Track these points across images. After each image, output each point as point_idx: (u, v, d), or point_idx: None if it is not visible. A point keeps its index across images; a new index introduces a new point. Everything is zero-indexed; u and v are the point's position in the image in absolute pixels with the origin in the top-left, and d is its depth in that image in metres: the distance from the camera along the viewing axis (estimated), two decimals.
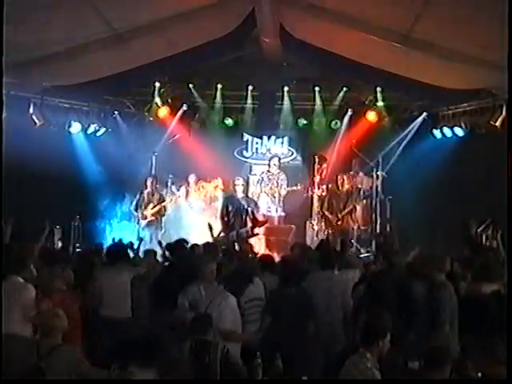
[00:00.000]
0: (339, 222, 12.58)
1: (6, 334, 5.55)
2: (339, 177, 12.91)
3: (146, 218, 12.89)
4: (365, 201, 12.99)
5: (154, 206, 12.89)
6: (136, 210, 12.95)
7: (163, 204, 12.99)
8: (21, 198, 11.75)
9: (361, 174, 13.25)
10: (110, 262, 7.86)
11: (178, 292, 6.49)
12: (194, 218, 13.11)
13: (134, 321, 7.35)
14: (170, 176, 13.40)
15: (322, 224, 12.72)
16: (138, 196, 13.00)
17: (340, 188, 12.79)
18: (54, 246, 11.83)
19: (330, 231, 12.51)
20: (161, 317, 6.76)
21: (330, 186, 13.00)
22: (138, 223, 12.92)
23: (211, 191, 13.33)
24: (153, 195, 12.96)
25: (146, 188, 12.99)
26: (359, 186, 13.06)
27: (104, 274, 7.53)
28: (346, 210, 12.66)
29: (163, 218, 13.11)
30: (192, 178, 13.41)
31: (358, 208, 12.83)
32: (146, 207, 12.89)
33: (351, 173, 13.20)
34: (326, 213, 12.69)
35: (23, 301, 6.10)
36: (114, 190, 13.59)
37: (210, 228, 11.19)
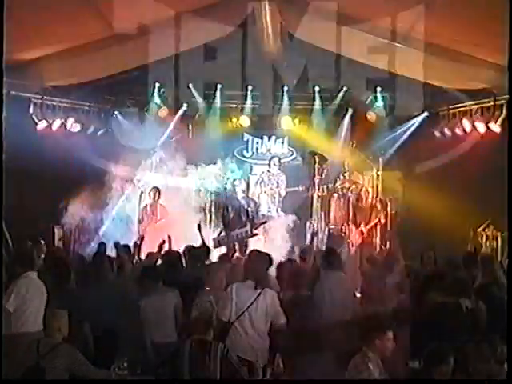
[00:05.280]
0: (364, 236, 12.44)
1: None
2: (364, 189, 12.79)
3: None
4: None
5: (157, 221, 12.43)
6: (139, 223, 12.40)
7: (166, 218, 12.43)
8: (21, 197, 11.74)
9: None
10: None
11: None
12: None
13: None
14: None
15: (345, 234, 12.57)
16: (139, 208, 12.52)
17: (363, 202, 12.68)
18: (54, 245, 11.84)
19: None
20: None
21: (351, 198, 12.85)
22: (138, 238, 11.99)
23: None
24: (156, 208, 12.55)
25: (149, 199, 12.60)
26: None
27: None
28: (371, 223, 12.52)
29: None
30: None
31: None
32: (148, 221, 12.42)
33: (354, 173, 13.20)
34: (351, 225, 12.55)
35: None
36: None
37: (200, 228, 10.89)
